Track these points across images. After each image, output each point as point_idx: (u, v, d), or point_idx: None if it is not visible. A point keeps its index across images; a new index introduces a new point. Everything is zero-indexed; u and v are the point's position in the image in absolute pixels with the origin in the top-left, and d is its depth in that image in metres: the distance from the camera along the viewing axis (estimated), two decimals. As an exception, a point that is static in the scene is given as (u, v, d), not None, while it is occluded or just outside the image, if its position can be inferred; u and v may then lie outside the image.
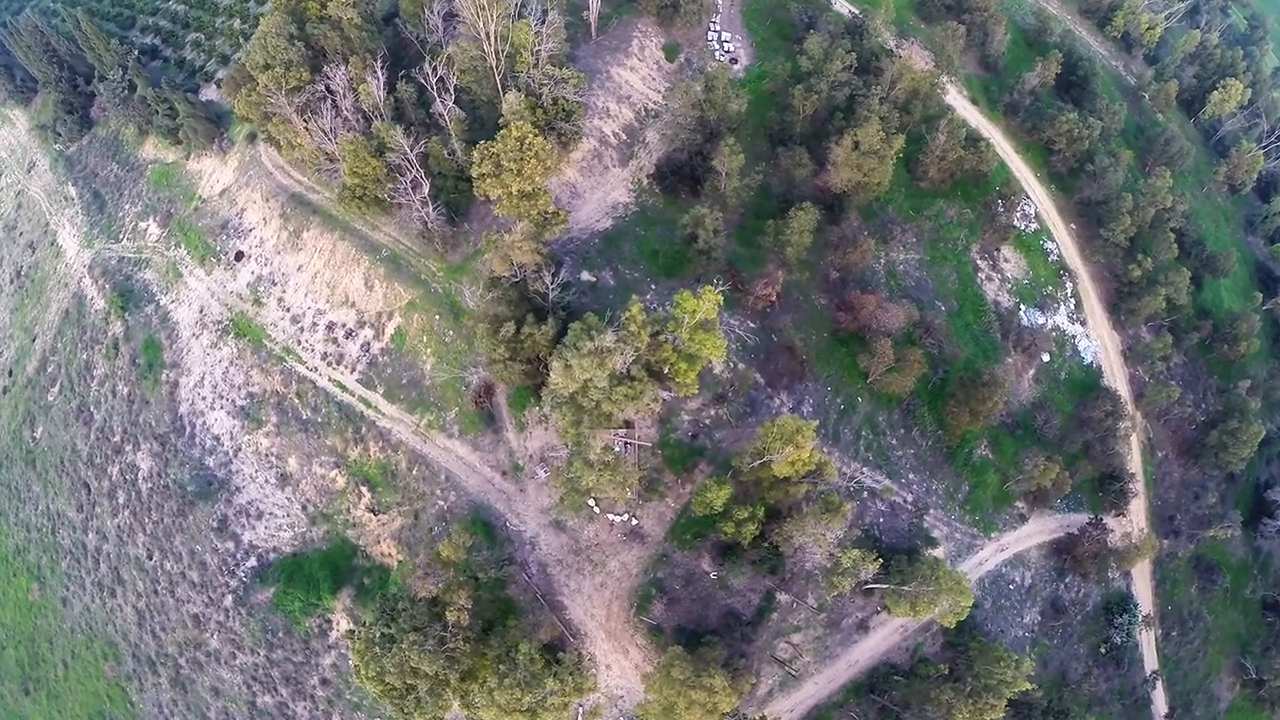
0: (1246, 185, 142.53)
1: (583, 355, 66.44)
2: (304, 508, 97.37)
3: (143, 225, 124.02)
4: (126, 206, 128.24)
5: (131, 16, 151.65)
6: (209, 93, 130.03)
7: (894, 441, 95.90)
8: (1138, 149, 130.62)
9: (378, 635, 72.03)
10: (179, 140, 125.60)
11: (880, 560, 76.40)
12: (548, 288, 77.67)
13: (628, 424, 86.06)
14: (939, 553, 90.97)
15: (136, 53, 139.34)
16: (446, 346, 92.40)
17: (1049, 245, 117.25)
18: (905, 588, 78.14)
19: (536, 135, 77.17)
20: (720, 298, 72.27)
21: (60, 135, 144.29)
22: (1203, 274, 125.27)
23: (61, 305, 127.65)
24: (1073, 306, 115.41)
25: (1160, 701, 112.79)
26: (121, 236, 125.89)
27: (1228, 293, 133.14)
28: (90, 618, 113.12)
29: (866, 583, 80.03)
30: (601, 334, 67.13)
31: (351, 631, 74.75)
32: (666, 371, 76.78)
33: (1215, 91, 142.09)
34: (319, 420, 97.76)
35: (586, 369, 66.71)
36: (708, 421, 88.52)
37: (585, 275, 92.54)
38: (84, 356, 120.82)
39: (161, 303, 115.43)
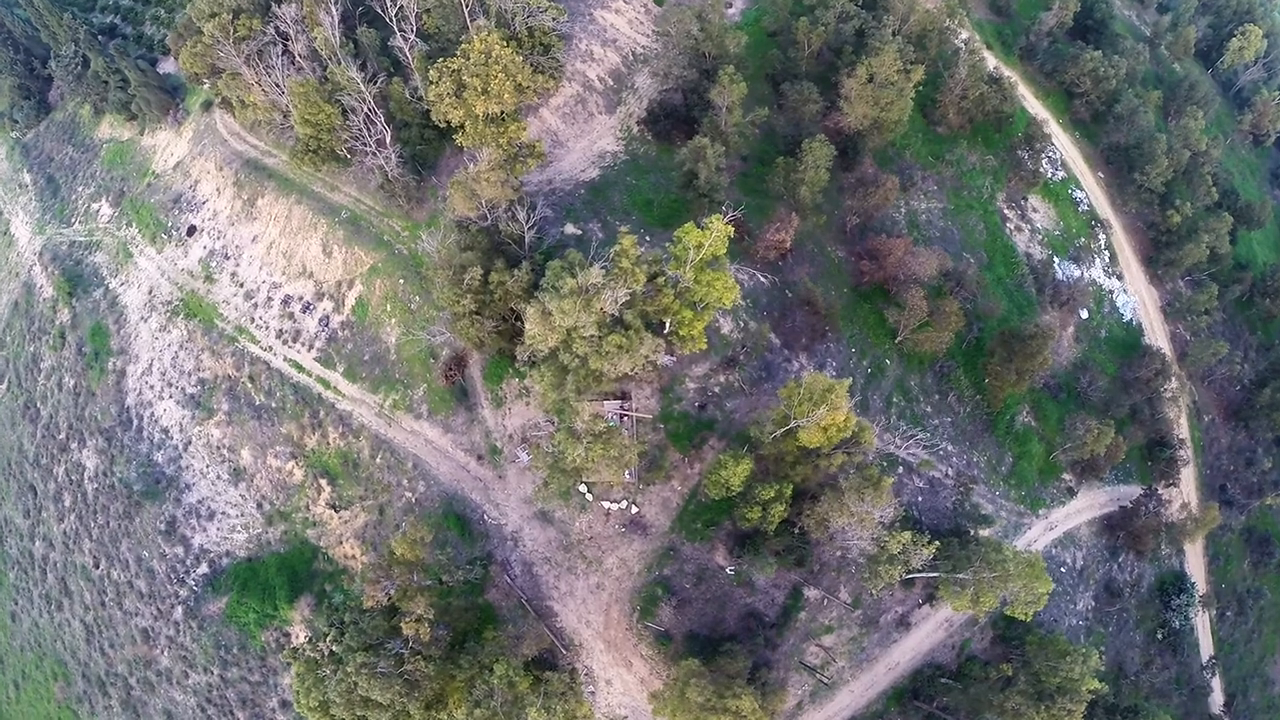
0: (1270, 136, 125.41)
1: (563, 296, 48.80)
2: (259, 505, 79.55)
3: (95, 206, 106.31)
4: (79, 189, 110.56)
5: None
6: (167, 66, 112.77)
7: (928, 409, 78.33)
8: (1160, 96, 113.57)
9: (324, 654, 54.52)
10: (134, 115, 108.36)
11: (934, 543, 58.79)
12: (523, 228, 60.00)
13: (624, 394, 68.54)
14: (989, 533, 73.45)
15: (91, 28, 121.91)
16: (413, 315, 74.66)
17: (1078, 194, 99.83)
18: (961, 575, 60.63)
19: (504, 46, 59.59)
20: (730, 229, 54.78)
21: (17, 122, 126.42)
22: (1238, 225, 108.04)
23: (11, 296, 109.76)
24: (1108, 259, 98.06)
25: (1219, 690, 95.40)
26: (73, 220, 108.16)
27: (1260, 246, 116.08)
28: (39, 634, 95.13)
29: (911, 572, 62.51)
30: (586, 270, 49.49)
31: (294, 650, 56.92)
32: (668, 326, 59.27)
33: (1234, 38, 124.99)
34: (273, 406, 79.99)
35: (569, 313, 49.06)
36: (717, 389, 70.79)
37: (570, 228, 74.95)
38: (31, 349, 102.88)
39: (110, 286, 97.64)
